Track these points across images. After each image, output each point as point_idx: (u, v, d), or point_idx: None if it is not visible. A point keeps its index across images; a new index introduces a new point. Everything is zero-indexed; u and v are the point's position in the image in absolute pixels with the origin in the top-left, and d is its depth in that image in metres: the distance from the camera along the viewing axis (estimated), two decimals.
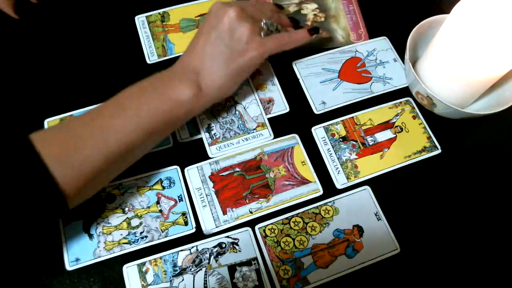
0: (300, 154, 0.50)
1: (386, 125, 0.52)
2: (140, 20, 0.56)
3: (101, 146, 0.37)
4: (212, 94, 0.44)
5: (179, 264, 0.44)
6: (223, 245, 0.45)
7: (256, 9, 0.48)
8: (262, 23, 0.47)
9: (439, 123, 0.52)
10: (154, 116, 0.40)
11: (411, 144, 0.51)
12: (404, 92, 0.54)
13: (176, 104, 0.41)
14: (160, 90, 0.41)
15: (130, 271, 0.43)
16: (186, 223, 0.46)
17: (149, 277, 0.43)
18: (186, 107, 0.42)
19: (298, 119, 0.52)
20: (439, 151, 0.51)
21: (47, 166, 0.34)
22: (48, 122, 0.49)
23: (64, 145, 0.36)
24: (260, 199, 0.47)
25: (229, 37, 0.44)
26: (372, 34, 0.58)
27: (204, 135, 0.50)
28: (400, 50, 0.57)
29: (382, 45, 0.57)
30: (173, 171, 0.48)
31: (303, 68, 0.55)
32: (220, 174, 0.48)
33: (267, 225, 0.46)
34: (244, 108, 0.52)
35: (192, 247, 0.45)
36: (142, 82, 0.42)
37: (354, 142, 0.51)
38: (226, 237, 0.45)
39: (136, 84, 0.41)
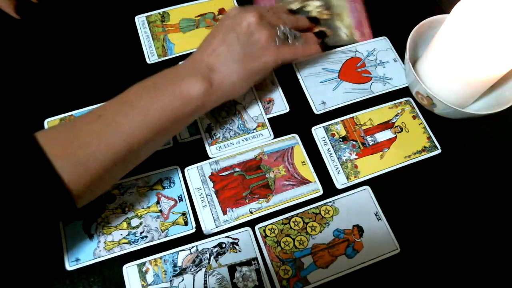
0: (300, 154, 0.50)
1: (386, 125, 0.52)
2: (140, 20, 0.56)
3: (108, 143, 0.37)
4: (222, 91, 0.44)
5: (179, 264, 0.44)
6: (223, 245, 0.45)
7: (274, 16, 0.48)
8: (279, 30, 0.47)
9: (439, 123, 0.52)
10: (163, 113, 0.39)
11: (411, 144, 0.51)
12: (404, 92, 0.54)
13: (186, 100, 0.41)
14: (170, 86, 0.40)
15: (130, 271, 0.43)
16: (186, 223, 0.46)
17: (149, 277, 0.43)
18: (196, 103, 0.41)
19: (298, 119, 0.52)
20: (439, 151, 0.51)
21: (53, 164, 0.34)
22: (48, 122, 0.49)
23: (69, 142, 0.36)
24: (260, 199, 0.47)
25: (246, 40, 0.44)
26: (374, 36, 0.58)
27: (204, 135, 0.50)
28: (400, 50, 0.57)
29: (382, 45, 0.57)
30: (173, 171, 0.48)
31: (303, 68, 0.55)
32: (220, 174, 0.48)
33: (267, 225, 0.46)
34: (244, 108, 0.52)
35: (192, 247, 0.45)
36: (151, 78, 0.41)
37: (354, 142, 0.51)
38: (226, 237, 0.45)
39: (144, 81, 0.41)
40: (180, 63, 0.44)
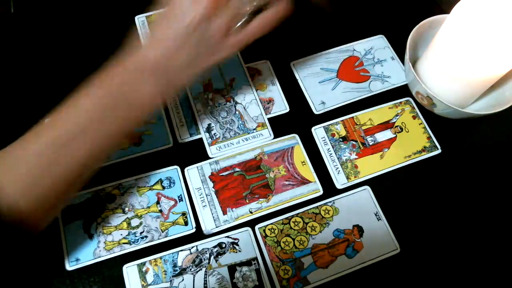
0: (300, 154, 0.50)
1: (386, 125, 0.52)
2: (140, 20, 0.56)
3: (61, 170, 0.35)
4: (177, 90, 0.40)
5: (179, 264, 0.44)
6: (223, 245, 0.45)
7: None
8: (241, 8, 0.38)
9: (439, 123, 0.52)
10: (117, 131, 0.38)
11: (411, 144, 0.51)
12: (402, 90, 0.54)
13: (140, 111, 0.38)
14: (123, 102, 0.37)
15: (130, 271, 0.43)
16: (186, 223, 0.46)
17: (149, 277, 0.43)
18: (151, 109, 0.39)
19: (298, 119, 0.52)
20: (439, 151, 0.51)
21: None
22: None
23: (25, 180, 0.34)
24: (260, 199, 0.47)
25: (201, 33, 0.37)
26: (372, 34, 0.58)
27: (204, 135, 0.50)
28: (400, 49, 0.57)
29: (379, 44, 0.57)
30: (173, 171, 0.48)
31: (301, 69, 0.55)
32: (220, 174, 0.48)
33: (267, 225, 0.46)
34: (244, 108, 0.52)
35: (192, 247, 0.45)
36: (98, 90, 0.37)
37: (354, 142, 0.51)
38: (226, 237, 0.45)
39: (94, 95, 0.37)
40: (128, 57, 0.39)
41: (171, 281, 0.43)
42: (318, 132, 0.51)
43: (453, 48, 0.45)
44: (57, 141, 0.35)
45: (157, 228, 0.45)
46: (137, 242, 0.44)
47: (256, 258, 0.45)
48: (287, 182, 0.48)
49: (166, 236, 0.45)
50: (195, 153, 0.49)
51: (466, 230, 0.47)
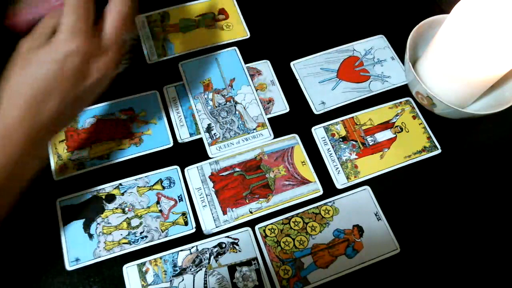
0: (300, 154, 0.50)
1: (386, 125, 0.52)
2: (140, 20, 0.56)
3: None
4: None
5: (179, 264, 0.44)
6: (223, 245, 0.45)
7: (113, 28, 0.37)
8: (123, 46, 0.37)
9: (439, 123, 0.52)
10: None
11: (411, 144, 0.51)
12: (402, 90, 0.54)
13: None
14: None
15: (130, 271, 0.43)
16: (186, 223, 0.46)
17: (149, 277, 0.43)
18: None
19: (298, 119, 0.52)
20: (439, 151, 0.51)
21: None
22: None
23: None
24: (260, 199, 0.47)
25: (82, 85, 0.35)
26: (372, 34, 0.58)
27: (204, 135, 0.50)
28: (400, 49, 0.57)
29: (379, 44, 0.57)
30: (173, 171, 0.48)
31: (301, 69, 0.55)
32: (220, 174, 0.48)
33: (267, 225, 0.46)
34: (244, 108, 0.52)
35: (192, 247, 0.45)
36: None
37: (354, 142, 0.51)
38: (226, 237, 0.45)
39: None
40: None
41: (171, 281, 0.43)
42: (318, 132, 0.51)
43: (453, 48, 0.45)
44: None
45: (157, 228, 0.45)
46: (137, 242, 0.44)
47: (256, 258, 0.45)
48: (287, 182, 0.48)
49: (166, 236, 0.45)
50: (195, 153, 0.49)
51: (466, 230, 0.47)
